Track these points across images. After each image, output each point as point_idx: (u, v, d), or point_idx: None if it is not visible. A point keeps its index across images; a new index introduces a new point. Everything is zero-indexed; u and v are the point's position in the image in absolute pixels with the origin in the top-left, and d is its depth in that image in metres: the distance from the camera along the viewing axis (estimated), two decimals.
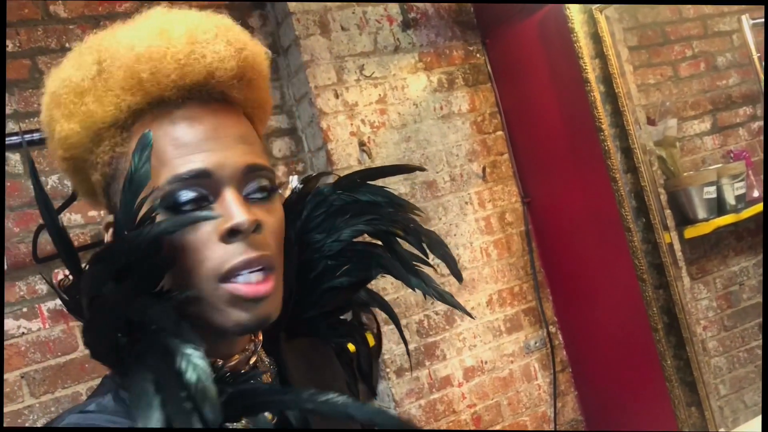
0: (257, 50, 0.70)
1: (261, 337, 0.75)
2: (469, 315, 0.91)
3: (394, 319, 0.88)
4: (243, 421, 0.68)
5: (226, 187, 0.63)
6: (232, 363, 0.69)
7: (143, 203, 0.59)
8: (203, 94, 0.66)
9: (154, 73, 0.63)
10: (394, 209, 0.82)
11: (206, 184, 0.63)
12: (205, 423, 0.52)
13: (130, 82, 0.63)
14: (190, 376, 0.53)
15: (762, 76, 2.00)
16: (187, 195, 0.62)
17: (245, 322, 0.63)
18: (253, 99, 0.71)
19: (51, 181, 1.89)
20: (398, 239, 0.83)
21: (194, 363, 0.54)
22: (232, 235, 0.62)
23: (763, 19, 1.97)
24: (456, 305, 0.82)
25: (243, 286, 0.62)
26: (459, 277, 0.83)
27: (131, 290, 0.59)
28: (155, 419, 0.51)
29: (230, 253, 0.62)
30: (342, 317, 0.88)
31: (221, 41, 0.66)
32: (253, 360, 0.72)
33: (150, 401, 0.53)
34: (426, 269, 0.83)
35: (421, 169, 0.93)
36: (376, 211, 0.81)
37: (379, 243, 0.83)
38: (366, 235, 0.82)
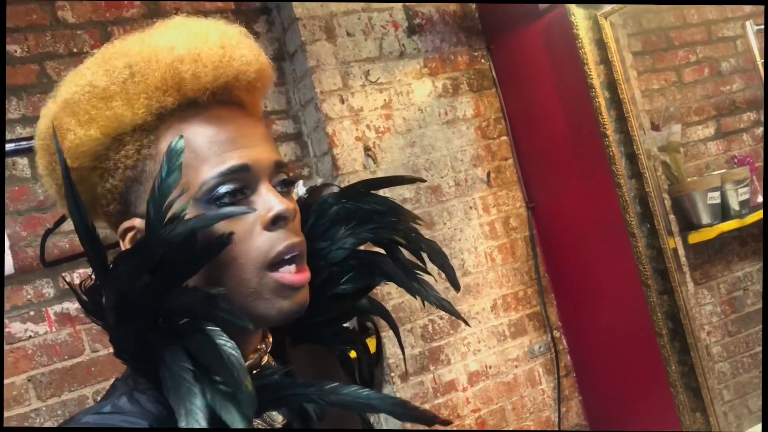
0: (267, 58, 0.74)
1: (271, 339, 0.76)
2: (466, 323, 0.92)
3: (394, 328, 0.90)
4: (256, 421, 0.69)
5: (261, 180, 0.67)
6: (249, 362, 0.71)
7: (171, 205, 0.61)
8: (225, 97, 0.70)
9: (194, 73, 0.66)
10: (396, 218, 0.84)
11: (244, 178, 0.66)
12: (242, 411, 0.56)
13: (169, 82, 0.66)
14: (227, 366, 0.57)
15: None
16: (227, 188, 0.65)
17: (287, 310, 0.67)
18: (257, 106, 0.76)
19: None
20: (400, 247, 0.84)
21: (229, 354, 0.57)
22: (275, 222, 0.66)
23: None
24: (453, 313, 0.83)
25: (287, 275, 0.66)
26: (457, 287, 0.85)
27: (165, 284, 0.61)
28: (198, 406, 0.55)
29: (275, 239, 0.66)
30: (345, 324, 0.89)
31: (245, 46, 0.70)
32: (265, 360, 0.74)
33: (191, 388, 0.56)
34: (426, 277, 0.85)
35: (422, 180, 0.94)
36: (379, 220, 0.83)
37: (382, 251, 0.84)
38: (369, 243, 0.84)
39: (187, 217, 0.61)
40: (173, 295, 0.61)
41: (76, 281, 1.88)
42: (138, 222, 0.68)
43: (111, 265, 0.62)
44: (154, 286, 0.60)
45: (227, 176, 0.65)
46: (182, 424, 0.54)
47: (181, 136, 0.63)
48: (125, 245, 0.69)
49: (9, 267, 1.80)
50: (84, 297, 0.65)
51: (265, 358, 0.74)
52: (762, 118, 2.34)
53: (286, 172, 0.71)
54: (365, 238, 0.83)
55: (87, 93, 0.67)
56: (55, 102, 0.70)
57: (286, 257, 0.66)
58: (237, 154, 0.66)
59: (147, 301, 0.61)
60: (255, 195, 0.67)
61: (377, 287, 0.87)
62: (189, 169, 0.64)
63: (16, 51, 1.89)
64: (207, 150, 0.66)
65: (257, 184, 0.67)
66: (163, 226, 0.60)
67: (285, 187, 0.70)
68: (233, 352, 0.57)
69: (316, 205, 0.83)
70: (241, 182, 0.66)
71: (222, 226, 0.63)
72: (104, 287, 0.63)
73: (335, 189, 0.85)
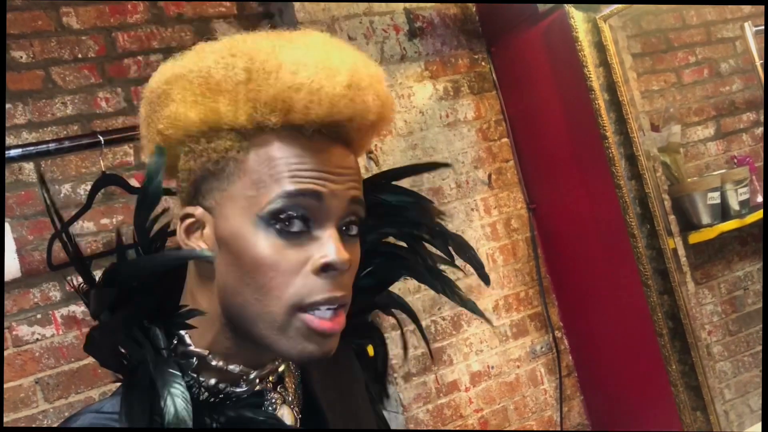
0: (392, 105, 0.71)
1: None
2: (489, 322, 0.92)
3: (416, 321, 0.88)
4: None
5: (330, 218, 0.64)
6: (265, 372, 0.72)
7: (154, 222, 0.63)
8: (332, 131, 0.66)
9: (307, 105, 0.63)
10: (419, 211, 0.82)
11: (312, 207, 0.64)
12: None
13: (279, 105, 0.63)
14: (170, 411, 0.59)
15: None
16: (291, 212, 0.63)
17: (309, 354, 0.65)
18: (364, 145, 0.73)
19: (64, 190, 1.92)
20: (423, 242, 0.83)
21: (176, 402, 0.59)
22: (325, 270, 0.63)
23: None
24: (477, 311, 0.82)
25: (318, 320, 0.63)
26: (486, 280, 0.84)
27: (129, 318, 0.62)
28: None
29: (318, 287, 0.63)
30: (363, 319, 0.89)
31: (372, 92, 0.66)
32: (282, 368, 0.75)
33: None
34: (452, 270, 0.84)
35: (447, 165, 0.93)
36: (402, 213, 0.82)
37: (404, 245, 0.83)
38: (391, 237, 0.83)
39: (258, 234, 0.62)
40: (130, 343, 0.62)
41: (82, 285, 1.90)
42: (199, 212, 0.67)
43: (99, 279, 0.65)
44: (119, 321, 0.62)
45: (294, 198, 0.63)
46: None
47: (162, 152, 0.65)
48: (180, 230, 0.68)
49: (16, 270, 1.82)
50: (87, 301, 0.68)
51: (283, 366, 0.75)
52: (762, 119, 2.35)
53: (359, 212, 0.68)
54: (388, 233, 0.82)
55: (201, 78, 0.65)
56: (171, 68, 0.69)
57: (322, 308, 0.64)
58: (313, 183, 0.63)
59: (111, 334, 0.63)
60: (319, 231, 0.64)
61: None
62: (261, 185, 0.63)
63: (21, 57, 1.91)
64: (286, 171, 0.63)
65: (324, 221, 0.64)
66: (144, 244, 0.62)
67: (351, 231, 0.67)
68: (179, 401, 0.59)
69: None
70: (306, 211, 0.63)
71: (266, 251, 0.62)
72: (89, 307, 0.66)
73: None
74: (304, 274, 0.63)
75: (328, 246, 0.63)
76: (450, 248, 0.83)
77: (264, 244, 0.63)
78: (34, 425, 1.79)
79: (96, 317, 0.63)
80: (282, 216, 0.63)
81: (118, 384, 0.69)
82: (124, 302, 0.62)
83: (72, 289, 0.75)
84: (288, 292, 0.63)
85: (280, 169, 0.63)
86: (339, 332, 0.66)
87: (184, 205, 0.69)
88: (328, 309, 0.64)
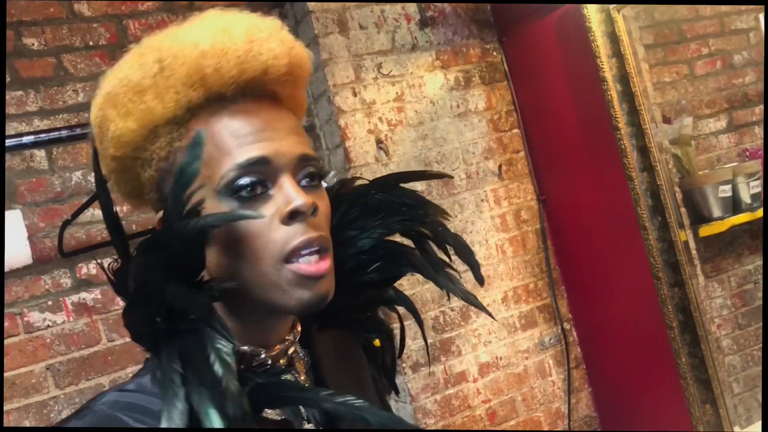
0: (303, 50, 0.75)
1: (300, 329, 0.78)
2: (491, 316, 0.93)
3: (418, 319, 0.91)
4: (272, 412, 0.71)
5: (283, 173, 0.67)
6: (274, 353, 0.72)
7: (191, 196, 0.62)
8: (256, 90, 0.70)
9: (217, 68, 0.67)
10: (424, 211, 0.85)
11: (264, 171, 0.67)
12: (227, 417, 0.56)
13: (194, 77, 0.67)
14: (217, 370, 0.58)
15: None
16: (246, 180, 0.66)
17: (307, 300, 0.67)
18: (295, 97, 0.76)
19: (75, 177, 1.93)
20: (428, 239, 0.86)
21: (222, 358, 0.58)
22: (293, 217, 0.66)
23: None
24: (479, 306, 0.84)
25: (305, 265, 0.66)
26: (481, 282, 0.86)
27: (175, 279, 0.62)
28: (179, 409, 0.56)
29: (292, 234, 0.66)
30: (370, 313, 0.90)
31: (275, 40, 0.70)
32: (292, 350, 0.75)
33: (176, 392, 0.58)
34: (459, 264, 0.86)
35: (449, 176, 0.96)
36: (408, 212, 0.85)
37: (410, 242, 0.86)
38: (398, 234, 0.86)
39: (204, 212, 0.63)
40: (175, 295, 0.62)
41: (93, 272, 1.91)
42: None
43: (133, 253, 0.64)
44: (163, 282, 0.62)
45: (245, 168, 0.66)
46: (163, 424, 0.56)
47: (202, 129, 0.65)
48: None
49: (27, 257, 1.83)
50: (112, 277, 0.67)
51: (293, 348, 0.76)
52: None
53: (315, 165, 0.71)
54: (394, 229, 0.84)
55: (124, 86, 0.69)
56: (100, 93, 0.72)
57: (303, 252, 0.66)
58: (257, 147, 0.67)
59: (157, 293, 0.62)
60: (275, 188, 0.67)
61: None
62: (212, 162, 0.66)
63: (33, 44, 1.92)
64: (229, 143, 0.67)
65: (278, 177, 0.67)
66: (180, 220, 0.62)
67: (312, 181, 0.70)
68: (227, 357, 0.58)
69: (348, 195, 0.85)
70: (260, 175, 0.66)
71: (242, 222, 0.65)
72: (125, 274, 0.65)
73: (366, 181, 0.87)
74: (275, 227, 0.66)
75: (288, 194, 0.66)
76: (449, 248, 0.86)
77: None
78: (44, 411, 1.80)
79: (135, 283, 0.63)
80: (238, 185, 0.66)
81: (136, 367, 0.69)
82: (165, 268, 0.63)
83: (100, 266, 0.75)
84: (269, 248, 0.66)
85: (223, 141, 0.67)
86: (329, 275, 0.69)
87: (157, 212, 0.72)
88: (311, 254, 0.67)
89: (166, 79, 0.68)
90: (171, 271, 0.62)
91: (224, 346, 0.59)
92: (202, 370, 0.59)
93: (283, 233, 0.66)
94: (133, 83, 0.68)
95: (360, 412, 0.60)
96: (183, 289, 0.63)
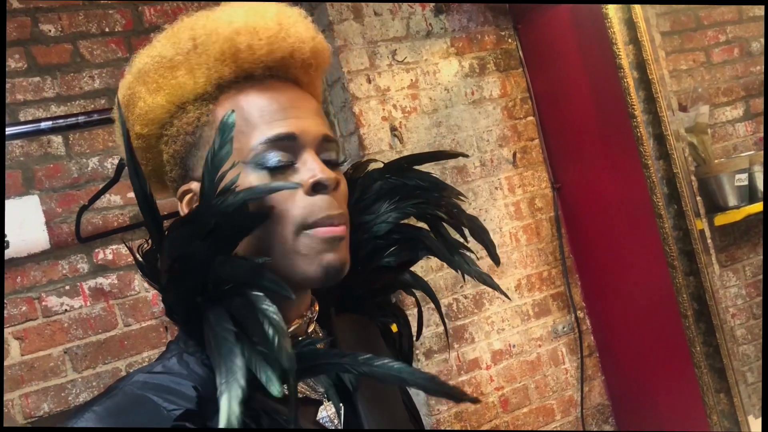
0: (324, 42, 0.78)
1: (317, 307, 0.78)
2: (506, 296, 0.94)
3: (435, 302, 0.91)
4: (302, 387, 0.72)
5: (307, 149, 0.70)
6: (293, 328, 0.73)
7: (223, 176, 0.63)
8: (281, 73, 0.74)
9: (249, 45, 0.70)
10: (439, 194, 0.86)
11: (290, 147, 0.69)
12: (283, 371, 0.57)
13: (226, 54, 0.70)
14: (268, 329, 0.59)
15: None
16: (275, 154, 0.68)
17: (328, 263, 0.68)
18: (315, 85, 0.79)
19: (92, 163, 1.94)
20: (443, 222, 0.86)
21: (271, 318, 0.59)
22: (316, 189, 0.68)
23: None
24: (495, 286, 0.85)
25: (324, 228, 0.68)
26: (497, 261, 0.87)
27: (215, 251, 0.64)
28: (237, 365, 0.57)
29: (316, 206, 0.68)
30: (387, 298, 0.91)
31: (301, 25, 0.74)
32: (311, 328, 0.76)
33: (232, 348, 0.58)
34: (475, 248, 0.86)
35: (465, 155, 0.95)
36: (422, 195, 0.85)
37: (425, 226, 0.86)
38: (413, 218, 0.86)
39: (238, 188, 0.64)
40: (222, 263, 0.63)
41: (110, 257, 1.93)
42: (194, 185, 0.71)
43: (166, 231, 0.65)
44: (205, 253, 0.63)
45: (274, 143, 0.68)
46: (221, 381, 0.56)
47: (233, 111, 0.66)
48: (182, 207, 0.73)
49: (45, 242, 1.85)
50: (141, 259, 0.68)
51: (311, 326, 0.76)
52: None
53: (335, 149, 0.73)
54: (409, 213, 0.85)
55: (156, 63, 0.72)
56: (130, 72, 0.74)
57: (324, 224, 0.68)
58: (285, 123, 0.69)
59: (197, 266, 0.63)
60: (300, 163, 0.69)
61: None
62: (241, 136, 0.68)
63: (50, 30, 1.92)
64: (258, 118, 0.69)
65: (303, 152, 0.70)
66: (216, 197, 0.63)
67: (331, 166, 0.72)
68: (275, 316, 0.59)
69: (361, 179, 0.85)
70: (287, 151, 0.69)
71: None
72: (159, 251, 0.66)
73: (380, 164, 0.87)
74: (299, 197, 0.68)
75: (313, 167, 0.69)
76: (464, 230, 0.86)
77: (258, 182, 0.67)
78: (62, 394, 1.82)
79: (172, 259, 0.64)
80: (268, 157, 0.68)
81: (152, 351, 0.70)
82: (205, 241, 0.64)
83: (128, 248, 0.77)
84: (291, 215, 0.67)
85: (252, 116, 0.70)
86: (346, 239, 0.70)
87: (177, 190, 0.74)
88: (330, 225, 0.69)
89: (198, 56, 0.71)
90: (211, 242, 0.63)
91: (271, 306, 0.60)
92: (255, 328, 0.60)
93: (307, 203, 0.68)
94: (166, 59, 0.72)
95: (399, 374, 0.61)
96: (231, 258, 0.64)
